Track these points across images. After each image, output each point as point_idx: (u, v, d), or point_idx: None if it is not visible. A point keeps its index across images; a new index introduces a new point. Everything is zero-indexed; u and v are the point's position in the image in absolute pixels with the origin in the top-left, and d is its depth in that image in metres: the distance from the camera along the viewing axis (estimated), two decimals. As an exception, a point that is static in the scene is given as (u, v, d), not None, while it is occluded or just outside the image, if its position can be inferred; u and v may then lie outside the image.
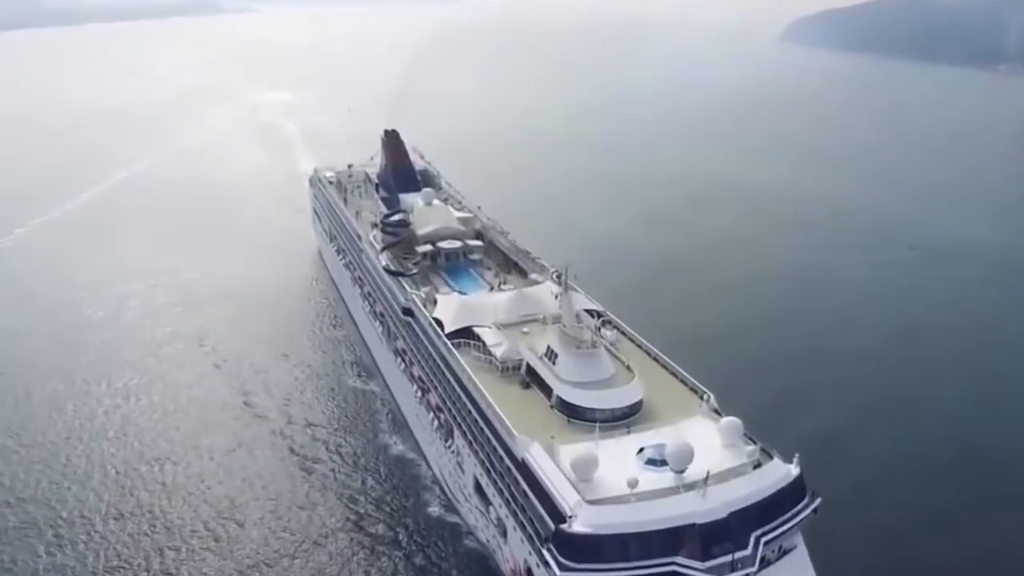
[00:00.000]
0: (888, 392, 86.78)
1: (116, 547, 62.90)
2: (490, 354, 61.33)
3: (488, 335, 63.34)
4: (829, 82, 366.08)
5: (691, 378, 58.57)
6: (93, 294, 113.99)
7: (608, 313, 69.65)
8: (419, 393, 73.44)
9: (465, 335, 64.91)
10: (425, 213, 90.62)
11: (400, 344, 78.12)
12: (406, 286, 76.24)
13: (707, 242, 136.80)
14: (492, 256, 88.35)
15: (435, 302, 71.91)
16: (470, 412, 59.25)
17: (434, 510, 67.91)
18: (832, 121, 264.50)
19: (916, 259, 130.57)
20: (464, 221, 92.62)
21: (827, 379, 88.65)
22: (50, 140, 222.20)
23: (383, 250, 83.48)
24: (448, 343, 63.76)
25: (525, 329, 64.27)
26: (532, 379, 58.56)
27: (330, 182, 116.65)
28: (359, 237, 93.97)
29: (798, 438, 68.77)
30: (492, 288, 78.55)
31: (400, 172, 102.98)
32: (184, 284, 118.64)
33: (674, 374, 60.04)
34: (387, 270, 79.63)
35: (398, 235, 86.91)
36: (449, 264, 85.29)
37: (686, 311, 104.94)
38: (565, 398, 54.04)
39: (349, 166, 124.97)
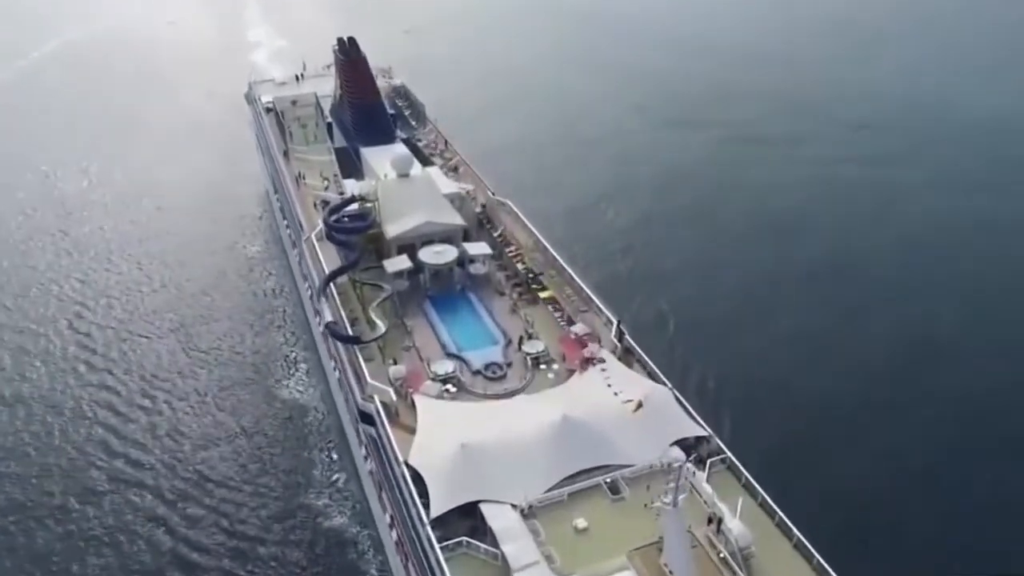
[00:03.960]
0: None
1: None
2: None
3: (512, 540, 33.71)
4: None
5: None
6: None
7: (715, 439, 39.85)
8: (394, 535, 45.22)
9: (468, 521, 35.65)
10: (398, 196, 58.15)
11: (365, 440, 49.01)
12: (363, 362, 45.68)
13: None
14: (504, 261, 57.33)
15: (412, 403, 42.26)
16: None
17: None
18: None
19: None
20: (459, 201, 60.56)
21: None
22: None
23: (329, 282, 51.58)
24: (437, 548, 34.44)
25: (581, 522, 34.72)
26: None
27: (268, 109, 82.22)
28: (301, 227, 62.28)
29: None
30: (509, 344, 48.55)
31: (362, 111, 69.35)
32: (80, 211, 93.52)
33: None
34: (331, 331, 48.55)
35: (353, 247, 54.46)
36: (438, 286, 54.45)
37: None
38: None
39: (297, 77, 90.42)
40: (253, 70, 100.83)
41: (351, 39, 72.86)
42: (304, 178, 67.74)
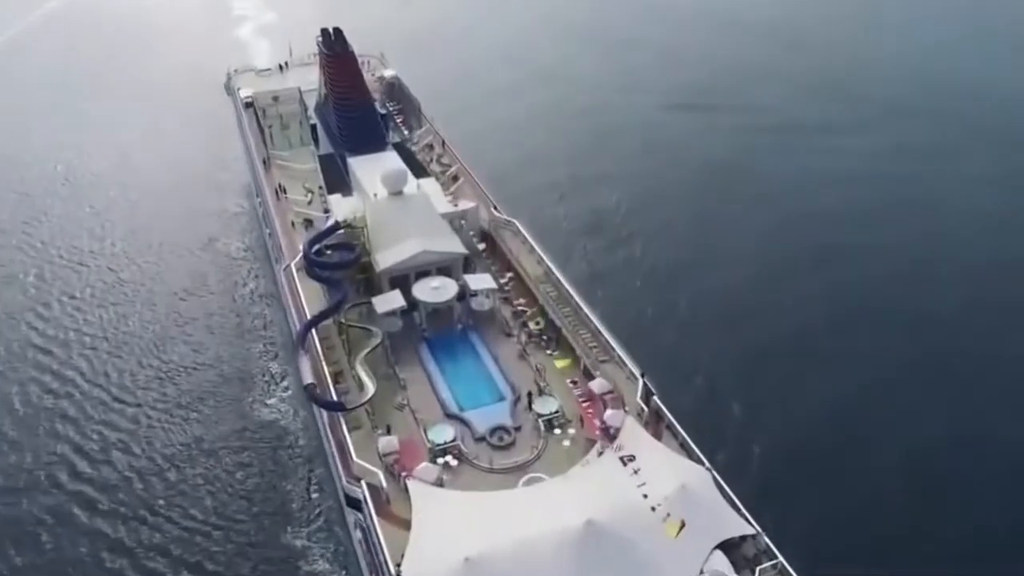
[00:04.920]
0: None
1: None
2: None
3: None
4: None
5: None
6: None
7: (763, 537, 33.70)
8: None
9: None
10: (390, 219, 51.25)
11: (352, 517, 43.00)
12: (348, 433, 39.36)
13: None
14: (512, 294, 50.73)
15: (405, 487, 36.13)
16: None
17: None
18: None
19: None
20: (457, 223, 53.84)
21: None
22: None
23: (308, 330, 44.90)
24: None
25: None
26: None
27: (247, 104, 74.78)
28: (281, 250, 55.63)
29: None
30: (517, 401, 42.28)
31: (350, 115, 62.16)
32: (45, 197, 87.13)
33: None
34: (310, 396, 42.08)
35: (338, 284, 47.86)
36: (435, 326, 47.99)
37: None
38: None
39: (281, 67, 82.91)
40: (234, 61, 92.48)
41: (336, 30, 65.26)
42: (285, 191, 60.81)
